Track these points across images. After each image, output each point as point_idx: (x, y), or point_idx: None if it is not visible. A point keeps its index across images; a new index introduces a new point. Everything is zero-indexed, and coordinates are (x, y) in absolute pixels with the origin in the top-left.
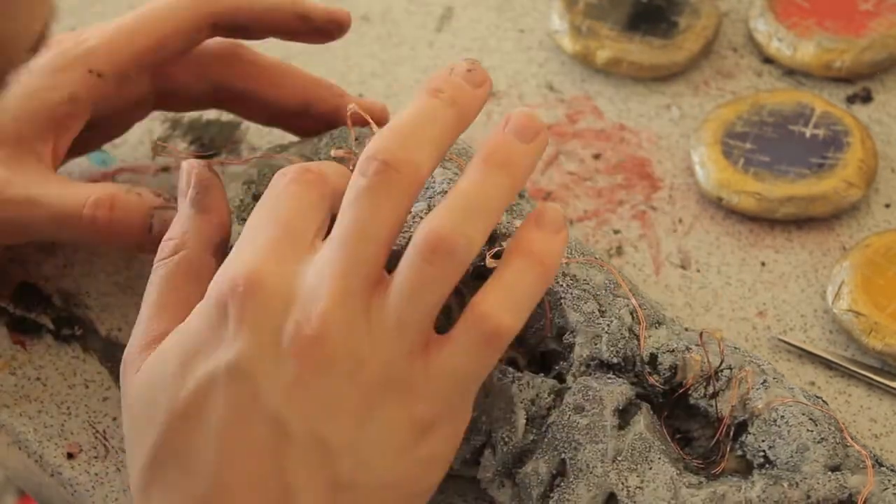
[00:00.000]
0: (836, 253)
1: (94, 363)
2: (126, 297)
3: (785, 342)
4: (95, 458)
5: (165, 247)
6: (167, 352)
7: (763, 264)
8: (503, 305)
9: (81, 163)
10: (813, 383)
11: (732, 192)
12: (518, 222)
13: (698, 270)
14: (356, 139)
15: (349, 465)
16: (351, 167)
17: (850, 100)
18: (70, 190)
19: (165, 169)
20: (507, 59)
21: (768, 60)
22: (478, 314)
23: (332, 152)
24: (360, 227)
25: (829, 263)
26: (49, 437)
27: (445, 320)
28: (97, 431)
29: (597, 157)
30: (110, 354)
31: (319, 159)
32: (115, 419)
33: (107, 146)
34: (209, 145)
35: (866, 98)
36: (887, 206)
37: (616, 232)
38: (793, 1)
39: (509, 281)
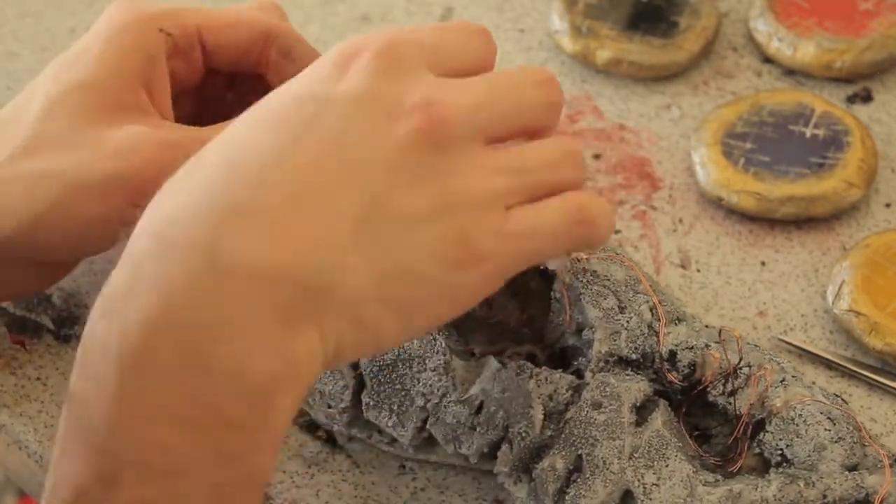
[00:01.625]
0: (836, 253)
1: None
2: None
3: (785, 342)
4: None
5: None
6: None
7: (763, 264)
8: (601, 207)
9: None
10: (814, 383)
11: (732, 192)
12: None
13: (698, 270)
14: None
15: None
16: None
17: (850, 100)
18: (204, 134)
19: None
20: (507, 59)
21: (768, 60)
22: (577, 202)
23: None
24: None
25: (829, 263)
26: (49, 437)
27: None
28: None
29: (597, 157)
30: None
31: None
32: None
33: None
34: None
35: (866, 98)
36: (887, 205)
37: (616, 232)
38: (793, 1)
39: (591, 197)
